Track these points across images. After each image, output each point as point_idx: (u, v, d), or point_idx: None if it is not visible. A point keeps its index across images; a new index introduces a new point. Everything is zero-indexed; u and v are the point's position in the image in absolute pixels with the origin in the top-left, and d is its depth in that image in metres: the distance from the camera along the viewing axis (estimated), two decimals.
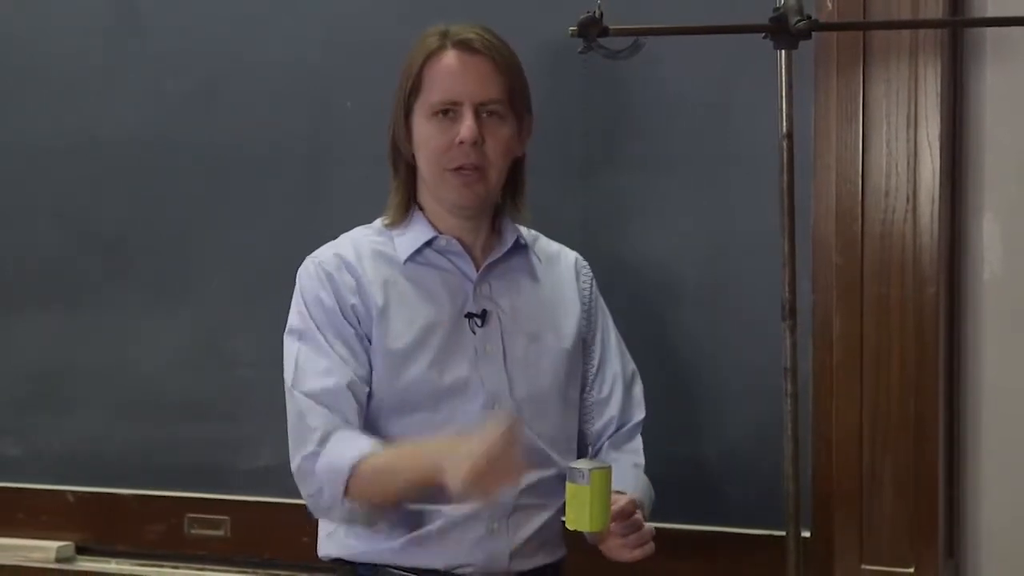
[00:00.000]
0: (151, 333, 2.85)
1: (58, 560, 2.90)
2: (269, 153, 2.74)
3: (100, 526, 2.91)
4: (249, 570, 2.80)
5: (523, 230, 2.21)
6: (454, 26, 2.09)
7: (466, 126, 2.04)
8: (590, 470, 1.94)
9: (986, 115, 2.32)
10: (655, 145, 2.48)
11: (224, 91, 2.77)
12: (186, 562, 2.85)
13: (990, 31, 2.31)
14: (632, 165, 2.50)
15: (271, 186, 2.75)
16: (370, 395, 2.10)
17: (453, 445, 1.91)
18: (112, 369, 2.89)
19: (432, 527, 2.07)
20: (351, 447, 2.01)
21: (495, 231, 2.17)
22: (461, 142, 2.04)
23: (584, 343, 2.22)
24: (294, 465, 2.09)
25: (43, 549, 2.91)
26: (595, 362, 2.24)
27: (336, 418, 2.06)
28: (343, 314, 2.09)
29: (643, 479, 2.20)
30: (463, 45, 2.06)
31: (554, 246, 2.26)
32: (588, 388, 2.25)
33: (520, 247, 2.18)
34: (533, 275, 2.19)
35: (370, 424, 2.10)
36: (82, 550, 2.94)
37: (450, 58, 2.07)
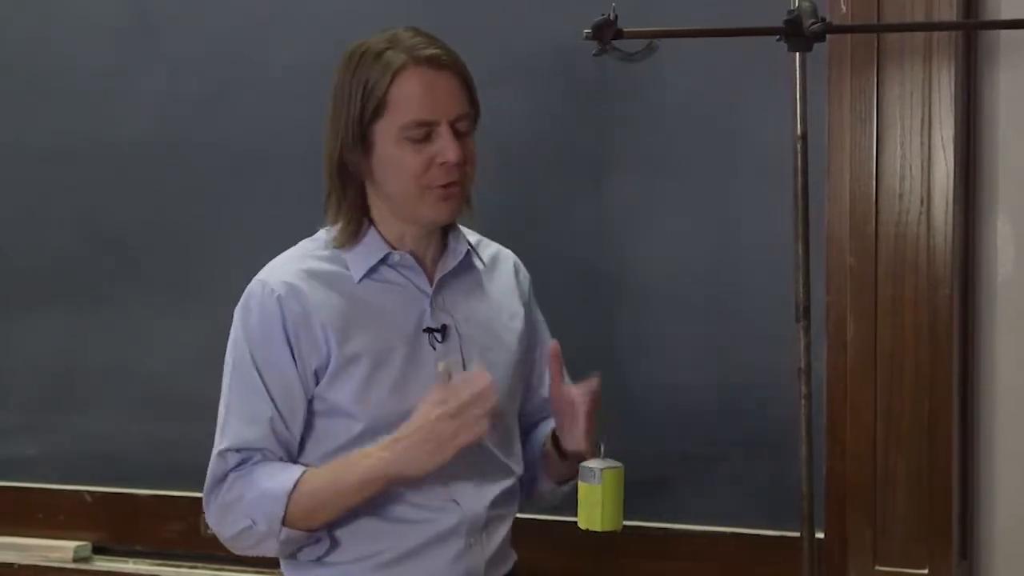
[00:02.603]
0: (167, 333, 2.87)
1: (76, 560, 2.92)
2: (281, 154, 2.75)
3: (117, 526, 2.93)
4: (265, 570, 2.80)
5: (466, 233, 2.16)
6: (403, 37, 2.02)
7: (450, 147, 1.98)
8: (602, 470, 1.95)
9: (1000, 117, 2.33)
10: (669, 147, 2.49)
11: (238, 93, 2.79)
12: (203, 562, 2.86)
13: (1004, 33, 2.31)
14: (646, 167, 2.51)
15: (284, 187, 2.76)
16: (328, 415, 2.06)
17: (393, 438, 1.95)
18: (128, 369, 2.90)
19: (412, 544, 2.04)
20: (281, 475, 2.01)
21: (443, 238, 2.11)
22: (444, 163, 1.98)
23: (528, 347, 2.19)
24: (213, 505, 2.06)
25: (61, 549, 2.93)
26: (536, 365, 2.22)
27: (259, 458, 2.04)
28: (289, 348, 2.03)
29: None
30: (429, 61, 1.98)
31: (492, 248, 2.21)
32: (532, 389, 2.23)
33: (467, 254, 2.13)
34: (478, 283, 2.14)
35: (333, 453, 2.05)
36: (99, 550, 2.96)
37: (420, 77, 1.98)
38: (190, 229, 2.85)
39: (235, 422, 2.05)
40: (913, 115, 2.28)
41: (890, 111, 2.29)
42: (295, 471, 2.01)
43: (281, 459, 2.05)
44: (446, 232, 2.12)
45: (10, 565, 2.94)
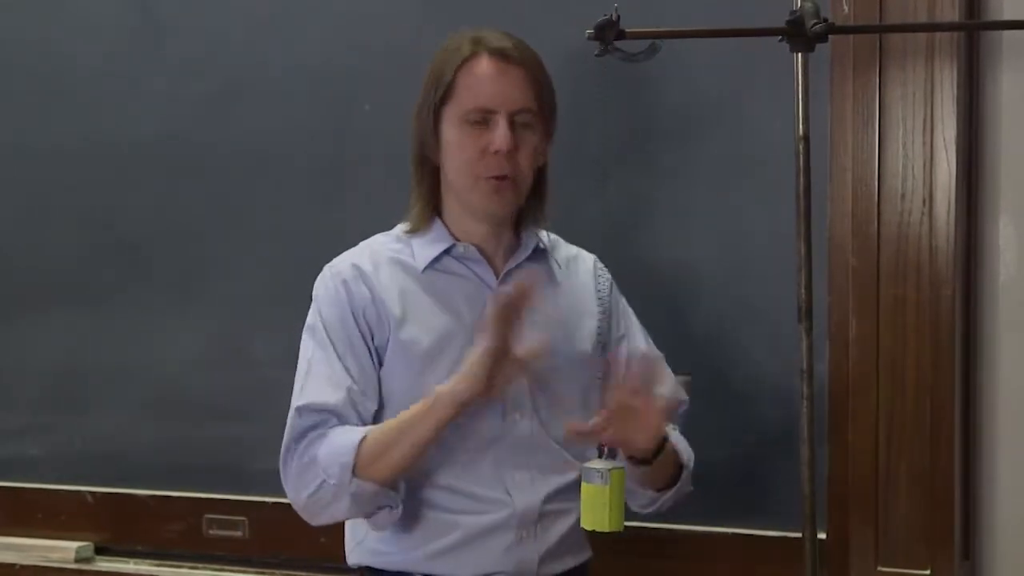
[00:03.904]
0: (170, 334, 2.87)
1: (77, 560, 2.92)
2: (288, 155, 2.75)
3: (119, 526, 2.93)
4: (267, 571, 2.81)
5: (543, 235, 2.20)
6: (484, 33, 2.08)
7: (501, 136, 2.03)
8: (609, 470, 1.95)
9: (1002, 118, 2.33)
10: (671, 148, 2.49)
11: (243, 94, 2.79)
12: (204, 562, 2.86)
13: (1006, 34, 2.31)
14: (648, 168, 2.51)
15: (290, 188, 2.76)
16: (382, 405, 2.11)
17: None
18: (131, 369, 2.90)
19: (461, 535, 2.08)
20: (351, 432, 2.04)
21: (516, 237, 2.16)
22: (496, 151, 2.03)
23: (604, 347, 2.22)
24: (291, 466, 2.08)
25: (62, 549, 2.93)
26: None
27: (336, 423, 2.08)
28: (357, 327, 2.09)
29: (677, 435, 2.19)
30: (498, 53, 2.04)
31: (572, 250, 2.26)
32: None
33: (540, 252, 2.18)
34: (553, 281, 2.18)
35: None
36: (101, 550, 2.96)
37: (485, 65, 2.05)
38: (191, 230, 2.85)
39: (315, 382, 2.09)
40: (915, 115, 2.28)
41: (892, 111, 2.29)
42: (368, 428, 2.05)
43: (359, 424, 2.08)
44: (519, 229, 2.16)
45: (11, 565, 2.95)
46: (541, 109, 2.08)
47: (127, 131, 2.89)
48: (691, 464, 2.19)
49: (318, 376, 2.10)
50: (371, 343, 2.09)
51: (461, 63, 2.05)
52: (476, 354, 1.96)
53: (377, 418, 2.11)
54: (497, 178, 2.05)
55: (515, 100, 2.04)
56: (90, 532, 2.95)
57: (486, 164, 2.05)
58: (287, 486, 2.11)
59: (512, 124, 2.04)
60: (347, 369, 2.09)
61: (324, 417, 2.07)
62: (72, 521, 2.95)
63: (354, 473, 2.02)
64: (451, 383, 1.99)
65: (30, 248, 3.01)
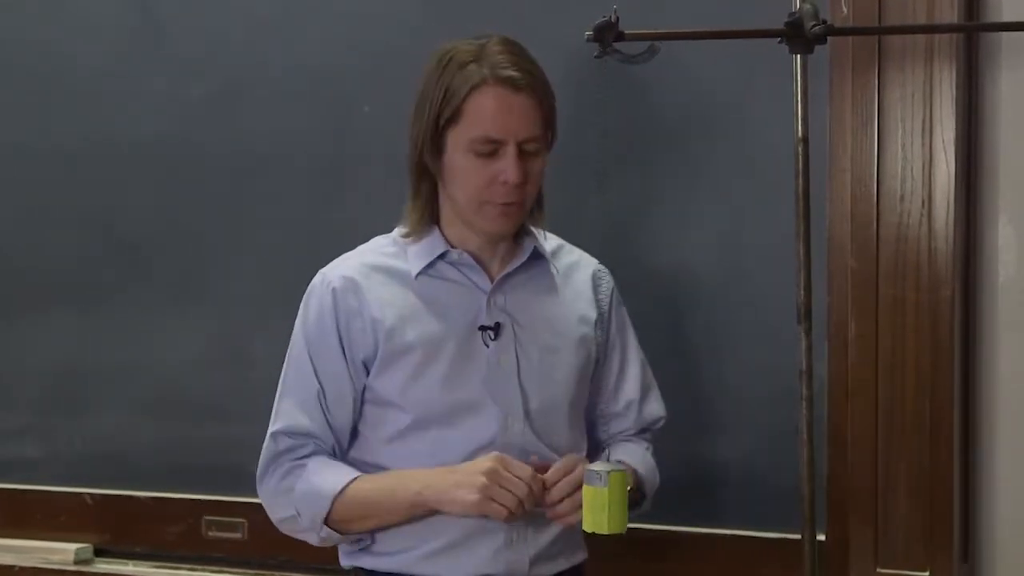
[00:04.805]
0: (170, 335, 2.87)
1: (76, 562, 2.91)
2: (287, 156, 2.75)
3: (118, 528, 2.93)
4: (266, 572, 2.81)
5: (547, 238, 2.20)
6: (492, 54, 2.03)
7: (512, 169, 2.01)
8: (608, 472, 1.95)
9: (1001, 119, 2.33)
10: (670, 149, 2.49)
11: (243, 95, 2.79)
12: (203, 564, 2.86)
13: (1005, 36, 2.31)
14: (647, 169, 2.51)
15: (290, 189, 2.76)
16: (386, 405, 2.12)
17: (444, 473, 2.03)
18: (131, 371, 2.90)
19: (451, 537, 2.08)
20: (332, 474, 2.09)
21: (514, 241, 2.16)
22: (505, 182, 2.02)
23: (600, 354, 2.22)
24: (265, 487, 2.15)
25: (61, 551, 2.93)
26: (614, 372, 2.25)
27: (312, 448, 2.12)
28: (339, 340, 2.10)
29: (649, 460, 2.22)
30: (508, 83, 2.01)
31: (575, 255, 2.25)
32: (608, 398, 2.25)
33: (538, 257, 2.17)
34: (550, 286, 2.18)
35: (384, 442, 2.12)
36: (100, 552, 2.95)
37: (495, 96, 2.01)
38: (191, 230, 2.85)
39: (288, 407, 2.14)
40: (915, 117, 2.28)
41: (891, 113, 2.29)
42: (346, 474, 2.09)
43: (333, 448, 2.13)
44: (519, 234, 2.16)
45: (11, 567, 2.94)
46: (547, 131, 2.07)
47: (127, 131, 2.89)
48: (654, 489, 2.21)
49: (292, 397, 2.14)
50: (351, 357, 2.11)
51: (470, 90, 2.01)
52: (478, 472, 1.99)
53: (381, 421, 2.12)
54: (505, 204, 2.05)
55: (524, 129, 2.03)
56: (89, 534, 2.94)
57: (494, 192, 2.04)
58: (263, 502, 2.17)
59: (520, 152, 2.03)
60: (321, 386, 2.12)
61: (300, 441, 2.13)
62: (71, 523, 2.95)
63: (326, 523, 2.08)
64: (446, 488, 2.02)
65: (30, 248, 3.01)
